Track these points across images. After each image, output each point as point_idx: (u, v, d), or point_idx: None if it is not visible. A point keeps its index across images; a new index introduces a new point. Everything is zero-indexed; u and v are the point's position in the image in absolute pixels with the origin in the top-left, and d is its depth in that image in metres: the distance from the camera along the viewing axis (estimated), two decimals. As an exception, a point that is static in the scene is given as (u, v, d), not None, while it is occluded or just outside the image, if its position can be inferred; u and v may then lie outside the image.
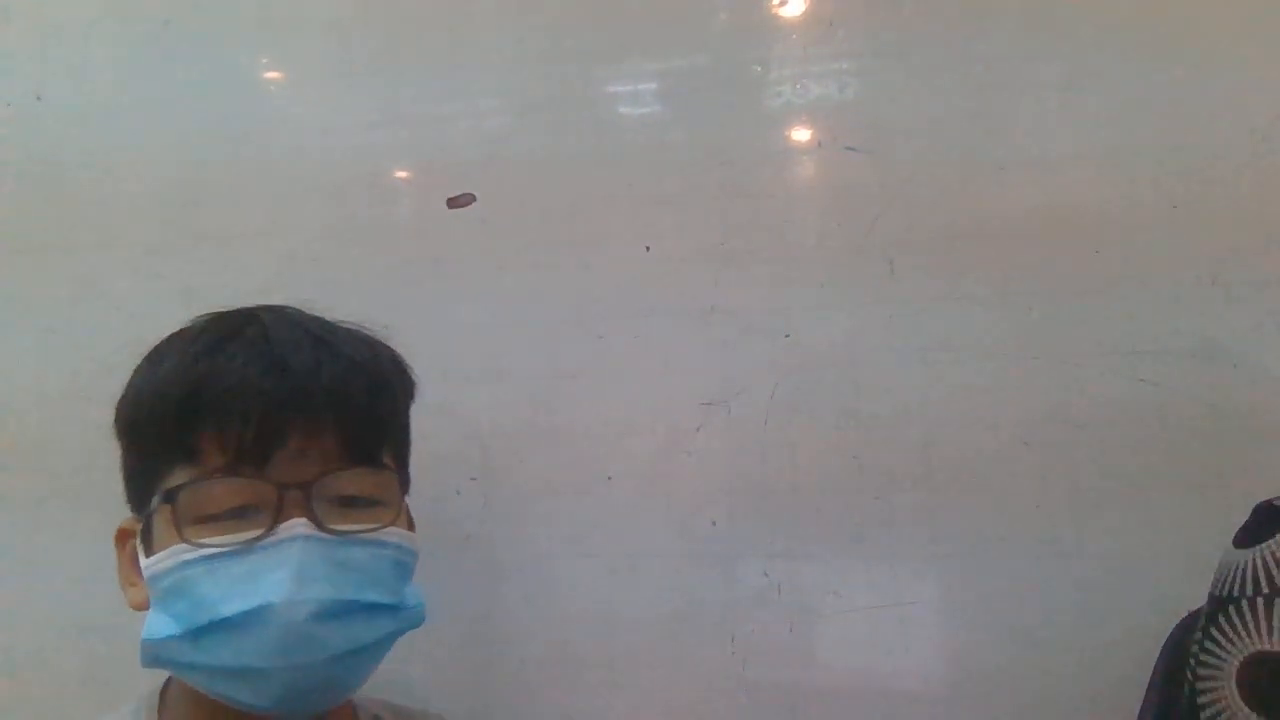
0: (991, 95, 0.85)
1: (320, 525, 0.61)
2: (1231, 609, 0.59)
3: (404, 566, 0.67)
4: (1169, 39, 0.83)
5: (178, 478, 0.62)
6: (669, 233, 0.89)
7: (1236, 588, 0.59)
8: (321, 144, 0.96)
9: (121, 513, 0.68)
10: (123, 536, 0.68)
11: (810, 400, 0.86)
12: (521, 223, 0.92)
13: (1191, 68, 0.82)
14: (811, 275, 0.87)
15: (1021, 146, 0.85)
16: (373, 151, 0.95)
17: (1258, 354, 0.79)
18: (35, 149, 1.01)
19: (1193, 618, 0.70)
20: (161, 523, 0.62)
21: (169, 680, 0.70)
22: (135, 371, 0.68)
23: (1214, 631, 0.60)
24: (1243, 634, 0.58)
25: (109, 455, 0.68)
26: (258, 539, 0.60)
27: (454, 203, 0.93)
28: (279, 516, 0.61)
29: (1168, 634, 0.72)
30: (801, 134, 0.89)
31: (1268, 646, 0.57)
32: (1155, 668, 0.72)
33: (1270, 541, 0.59)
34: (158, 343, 0.68)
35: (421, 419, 0.82)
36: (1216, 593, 0.61)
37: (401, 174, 0.95)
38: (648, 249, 0.90)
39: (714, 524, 0.87)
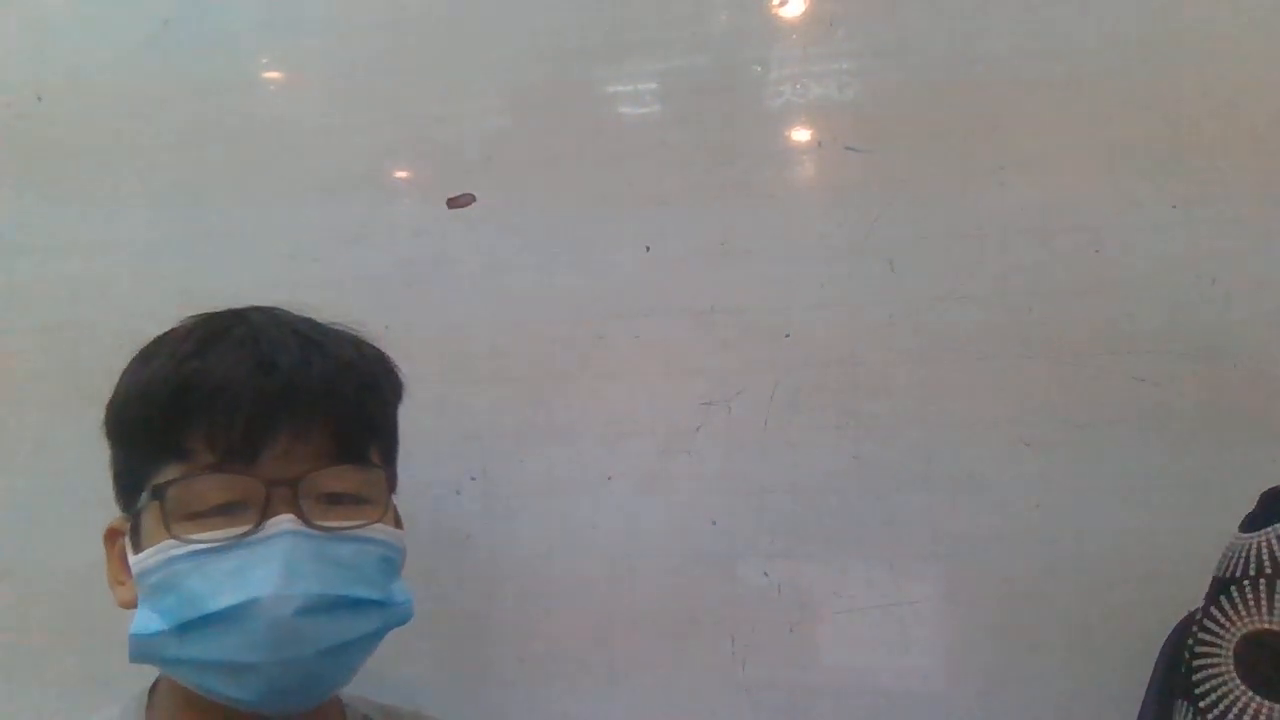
0: (991, 95, 0.85)
1: (307, 521, 0.62)
2: (1233, 589, 0.60)
3: (391, 563, 0.67)
4: (1169, 39, 0.83)
5: (166, 475, 0.63)
6: (669, 233, 0.89)
7: (1239, 569, 0.60)
8: (321, 144, 0.96)
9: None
10: (112, 535, 0.69)
11: (810, 400, 0.86)
12: (521, 223, 0.92)
13: (1191, 68, 0.82)
14: (811, 275, 0.87)
15: (1021, 146, 0.85)
16: (373, 151, 0.95)
17: (1258, 354, 0.79)
18: (35, 149, 1.01)
19: (1191, 618, 0.70)
20: (150, 520, 0.63)
21: (158, 679, 0.70)
22: (125, 371, 0.68)
23: (1214, 611, 0.61)
24: (1243, 612, 0.59)
25: (108, 456, 0.69)
26: (245, 535, 0.61)
27: (454, 203, 0.93)
28: (266, 513, 0.61)
29: (1167, 634, 0.72)
30: (801, 134, 0.89)
31: (1267, 625, 0.57)
32: (1155, 668, 0.72)
33: (1275, 525, 0.60)
34: (147, 343, 0.68)
35: (421, 419, 0.83)
36: (1219, 574, 0.62)
37: (401, 174, 0.95)
38: (648, 249, 0.90)
39: (714, 524, 0.87)
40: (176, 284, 0.96)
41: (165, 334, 0.68)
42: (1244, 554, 0.61)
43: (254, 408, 0.62)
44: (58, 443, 0.95)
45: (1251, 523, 0.63)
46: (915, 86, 0.87)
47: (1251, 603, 0.59)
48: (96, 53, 1.01)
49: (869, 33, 0.88)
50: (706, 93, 0.90)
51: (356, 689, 0.73)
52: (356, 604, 0.63)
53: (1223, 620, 0.60)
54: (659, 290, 0.89)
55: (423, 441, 0.85)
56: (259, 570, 0.60)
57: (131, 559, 0.64)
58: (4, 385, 0.98)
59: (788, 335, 0.87)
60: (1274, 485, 0.65)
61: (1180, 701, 0.61)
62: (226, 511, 0.62)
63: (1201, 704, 0.59)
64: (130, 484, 0.66)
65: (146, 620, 0.62)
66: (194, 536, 0.61)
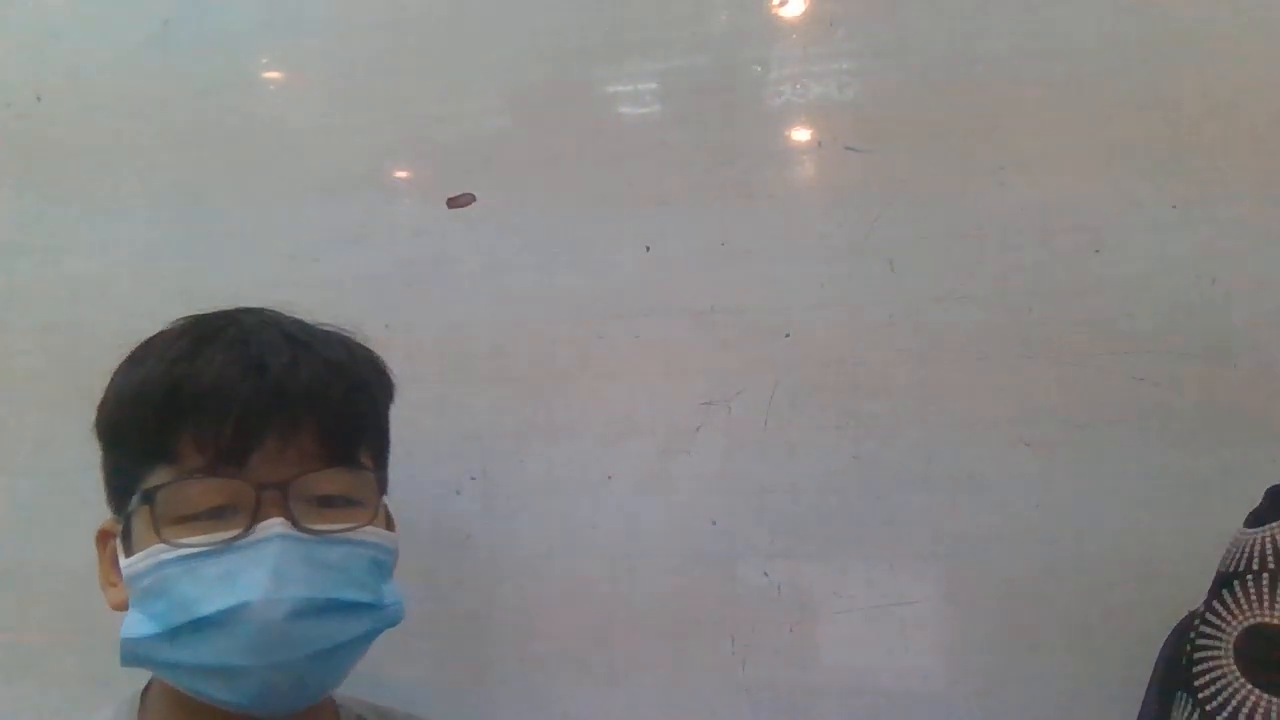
0: (991, 95, 0.85)
1: (297, 525, 0.62)
2: (1236, 583, 0.60)
3: (382, 565, 0.67)
4: (1169, 39, 0.83)
5: (156, 478, 0.63)
6: (669, 233, 0.89)
7: (1243, 564, 0.61)
8: (321, 144, 0.96)
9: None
10: (103, 537, 0.69)
11: (810, 400, 0.86)
12: (521, 223, 0.92)
13: (1191, 68, 0.82)
14: (811, 275, 0.87)
15: (1021, 146, 0.84)
16: (373, 151, 0.95)
17: (1258, 354, 0.79)
18: (35, 149, 1.01)
19: (1191, 618, 0.70)
20: (140, 523, 0.63)
21: (151, 681, 0.70)
22: (115, 373, 0.68)
23: (1216, 604, 0.61)
24: (1245, 606, 0.59)
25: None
26: (235, 538, 0.61)
27: (454, 203, 0.93)
28: (256, 516, 0.61)
29: (1167, 634, 0.72)
30: (801, 134, 0.89)
31: (1268, 619, 0.57)
32: (1155, 667, 0.72)
33: (1278, 521, 0.60)
34: (137, 346, 0.68)
35: (421, 419, 0.83)
36: (1223, 569, 0.62)
37: (401, 174, 0.95)
38: (648, 249, 0.90)
39: (714, 524, 0.87)
40: (176, 284, 0.96)
41: (155, 336, 0.68)
42: (1248, 549, 0.61)
43: (243, 411, 0.62)
44: (58, 443, 0.95)
45: (1256, 518, 0.63)
46: (915, 86, 0.86)
47: (1254, 596, 0.59)
48: (96, 53, 1.01)
49: (869, 33, 0.88)
50: (706, 93, 0.90)
51: (355, 690, 0.73)
52: (347, 607, 0.63)
53: (1224, 614, 0.60)
54: (659, 290, 0.89)
55: (423, 441, 0.85)
56: (249, 574, 0.60)
57: (123, 562, 0.64)
58: (4, 385, 0.98)
59: (788, 335, 0.87)
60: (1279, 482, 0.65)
61: (1180, 693, 0.61)
62: (217, 515, 0.62)
63: (1200, 695, 0.59)
64: (121, 486, 0.66)
65: (137, 624, 0.62)
66: (184, 540, 0.61)
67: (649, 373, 0.89)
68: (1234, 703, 0.57)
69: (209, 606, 0.59)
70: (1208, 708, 0.58)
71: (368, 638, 0.66)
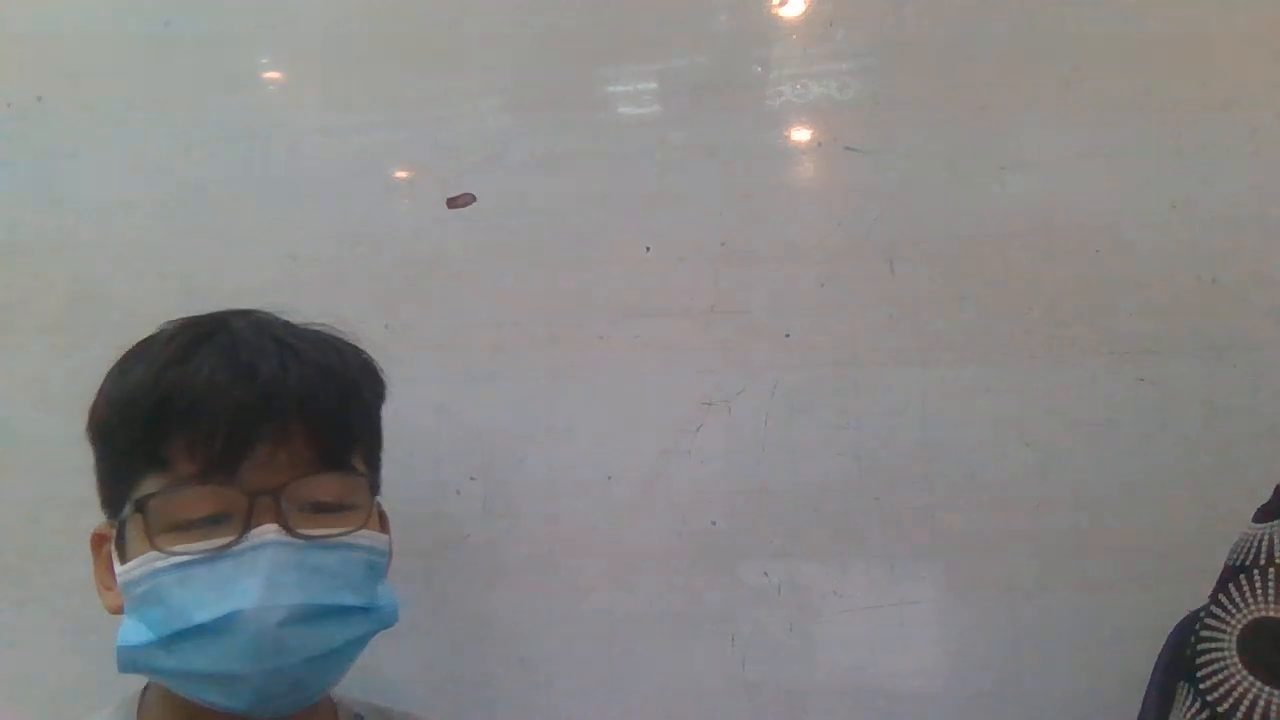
0: (991, 95, 0.85)
1: (290, 530, 0.62)
2: (1242, 577, 0.60)
3: (376, 567, 0.67)
4: (1168, 39, 0.83)
5: (149, 486, 0.63)
6: (669, 233, 0.89)
7: (1249, 558, 0.61)
8: (321, 144, 0.96)
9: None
10: (98, 541, 0.69)
11: (810, 400, 0.86)
12: (521, 223, 0.92)
13: (1191, 68, 0.82)
14: (811, 275, 0.87)
15: (1021, 146, 0.85)
16: (373, 151, 0.95)
17: (1258, 354, 0.79)
18: (35, 149, 1.01)
19: (1192, 618, 0.70)
20: (134, 530, 0.63)
21: (149, 682, 0.70)
22: (106, 378, 0.68)
23: (1221, 597, 0.61)
24: (1249, 599, 0.59)
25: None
26: (228, 546, 0.61)
27: (454, 203, 0.93)
28: (249, 523, 0.61)
29: (1168, 634, 0.72)
30: (801, 134, 0.89)
31: (1272, 613, 0.58)
32: (1155, 668, 0.72)
33: None
34: (128, 350, 0.68)
35: (421, 419, 0.83)
36: (1230, 563, 0.63)
37: (401, 174, 0.95)
38: (648, 249, 0.90)
39: (714, 524, 0.87)
40: (176, 284, 0.96)
41: (145, 340, 0.68)
42: (1255, 543, 0.61)
43: (233, 419, 0.62)
44: (57, 443, 0.95)
45: (1265, 514, 0.63)
46: (915, 86, 0.87)
47: (1259, 590, 0.59)
48: (96, 53, 1.00)
49: (869, 33, 0.88)
50: (706, 93, 0.90)
51: (354, 690, 0.73)
52: (342, 611, 0.63)
53: (1229, 606, 0.60)
54: (659, 290, 0.89)
55: (423, 441, 0.85)
56: (243, 581, 0.60)
57: (117, 569, 0.64)
58: (4, 385, 0.98)
59: (788, 335, 0.87)
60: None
61: (1183, 685, 0.62)
62: (210, 523, 0.62)
63: (1202, 686, 0.59)
64: (113, 491, 0.66)
65: (133, 631, 0.62)
66: (177, 548, 0.61)
67: (649, 373, 0.89)
68: (1235, 695, 0.57)
69: (204, 614, 0.59)
70: (1209, 698, 0.58)
71: (363, 640, 0.66)
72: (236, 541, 0.61)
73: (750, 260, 0.88)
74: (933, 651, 0.83)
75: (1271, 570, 0.59)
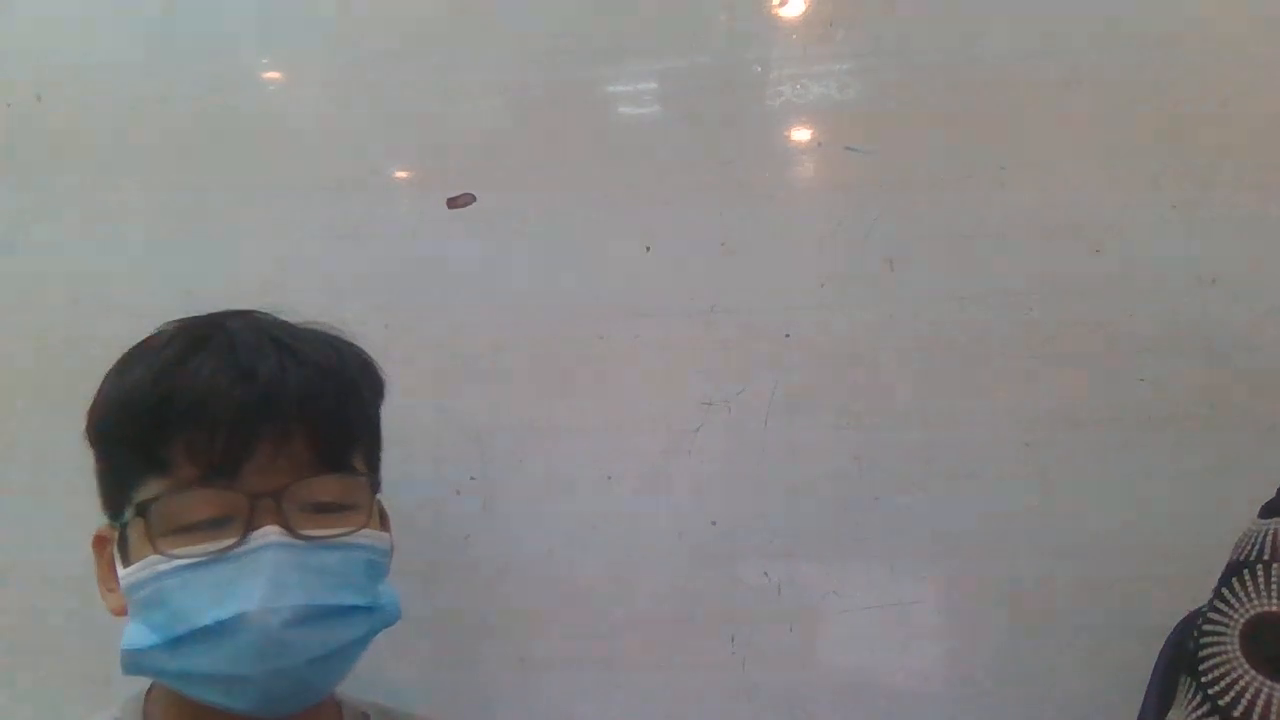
0: (991, 95, 0.85)
1: (292, 532, 0.62)
2: (1245, 572, 0.61)
3: (377, 567, 0.68)
4: (1168, 39, 0.83)
5: (150, 490, 0.63)
6: (669, 233, 0.89)
7: (1253, 553, 0.61)
8: (321, 144, 0.96)
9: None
10: (100, 543, 0.69)
11: (810, 400, 0.86)
12: (521, 223, 0.92)
13: (1191, 68, 0.82)
14: (811, 275, 0.87)
15: (1021, 146, 0.85)
16: (373, 151, 0.95)
17: (1258, 354, 0.79)
18: (35, 149, 1.01)
19: (1193, 617, 0.71)
20: (136, 534, 0.63)
21: (154, 682, 0.70)
22: (105, 380, 0.68)
23: (1225, 592, 0.61)
24: (1252, 595, 0.60)
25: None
26: (230, 548, 0.61)
27: (454, 203, 0.93)
28: (251, 525, 0.61)
29: (1167, 634, 0.72)
30: (801, 134, 0.89)
31: (1274, 608, 0.58)
32: (1155, 667, 0.72)
33: None
34: (126, 352, 0.68)
35: (421, 419, 0.83)
36: (1234, 558, 0.63)
37: (401, 174, 0.95)
38: (648, 249, 0.90)
39: (714, 524, 0.87)
40: (176, 284, 0.95)
41: (143, 342, 0.68)
42: (1259, 539, 0.61)
43: (233, 422, 0.62)
44: (58, 443, 0.95)
45: (1270, 509, 0.64)
46: (915, 86, 0.87)
47: (1262, 586, 0.59)
48: (96, 53, 1.00)
49: (869, 33, 0.88)
50: (706, 93, 0.90)
51: (355, 690, 0.73)
52: (344, 611, 0.63)
53: (1232, 601, 0.61)
54: (659, 290, 0.89)
55: (423, 441, 0.85)
56: (245, 583, 0.60)
57: (120, 572, 0.64)
58: (3, 385, 0.98)
59: (788, 335, 0.87)
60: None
61: (1185, 678, 0.62)
62: (211, 525, 0.62)
63: (1204, 680, 0.60)
64: (114, 495, 0.66)
65: (137, 634, 0.62)
66: (179, 551, 0.61)
67: (649, 373, 0.89)
68: (1238, 688, 0.57)
69: (207, 617, 0.60)
70: (1211, 692, 0.59)
71: (365, 639, 0.67)
72: (238, 544, 0.61)
73: (750, 260, 0.88)
74: (933, 651, 0.83)
75: (1275, 566, 0.59)
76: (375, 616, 0.66)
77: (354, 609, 0.64)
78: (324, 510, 0.65)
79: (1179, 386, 0.80)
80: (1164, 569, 0.79)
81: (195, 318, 0.69)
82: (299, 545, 0.62)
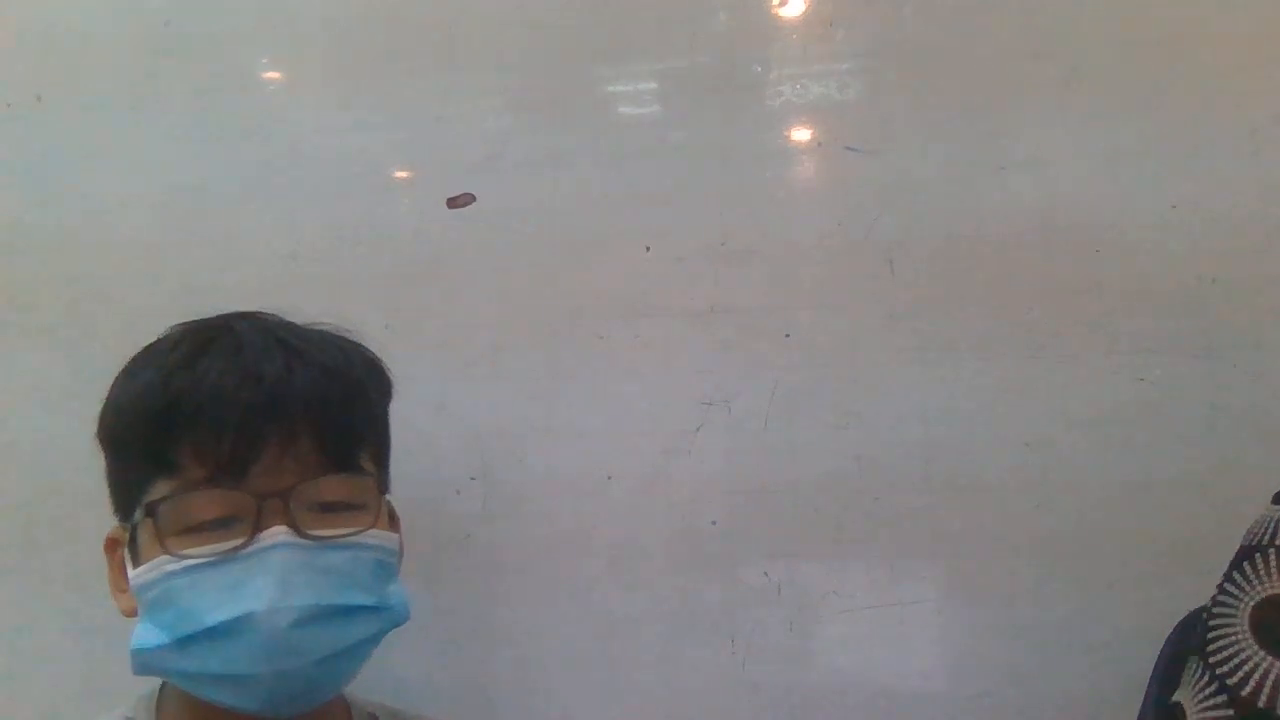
0: (991, 95, 0.85)
1: (300, 532, 0.62)
2: (1257, 556, 0.61)
3: (386, 566, 0.68)
4: (1168, 38, 0.83)
5: (159, 490, 0.63)
6: (669, 233, 0.89)
7: (1265, 538, 0.62)
8: (321, 144, 0.96)
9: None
10: (111, 545, 0.69)
11: (810, 400, 0.86)
12: (521, 223, 0.92)
13: (1191, 68, 0.82)
14: (811, 275, 0.87)
15: (1021, 146, 0.85)
16: (373, 151, 0.95)
17: (1258, 354, 0.79)
18: (35, 149, 1.01)
19: (1193, 617, 0.71)
20: (145, 535, 0.64)
21: (165, 681, 0.70)
22: (114, 383, 0.69)
23: (1235, 575, 0.62)
24: (1263, 578, 0.60)
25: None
26: (239, 548, 0.61)
27: (454, 203, 0.93)
28: (259, 525, 0.62)
29: (1167, 634, 0.72)
30: (801, 134, 0.89)
31: None
32: (1155, 667, 0.72)
33: None
34: (134, 355, 0.69)
35: (421, 419, 0.83)
36: (1245, 543, 0.63)
37: (401, 174, 0.95)
38: (648, 249, 0.90)
39: (714, 524, 0.87)
40: (176, 284, 0.96)
41: (152, 345, 0.69)
42: (1270, 524, 0.62)
43: (240, 423, 0.62)
44: (58, 443, 0.95)
45: None
46: (915, 86, 0.86)
47: (1273, 569, 0.60)
48: (96, 53, 1.00)
49: (869, 33, 0.88)
50: (706, 93, 0.90)
51: (356, 690, 0.73)
52: (352, 611, 0.64)
53: (1242, 584, 0.61)
54: (659, 290, 0.89)
55: (423, 441, 0.85)
56: (254, 583, 0.60)
57: (130, 573, 0.65)
58: (4, 385, 0.98)
59: (788, 335, 0.87)
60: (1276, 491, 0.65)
61: (1193, 659, 0.63)
62: (220, 525, 0.62)
63: (1213, 660, 0.60)
64: (125, 497, 0.66)
65: (147, 634, 0.62)
66: (189, 552, 0.62)
67: (649, 373, 0.89)
68: (1246, 669, 0.58)
69: (216, 616, 0.60)
70: (1219, 672, 0.59)
71: (375, 639, 0.67)
72: (247, 544, 0.61)
73: (750, 260, 0.88)
74: (933, 651, 0.83)
75: None
76: (384, 616, 0.66)
77: (362, 609, 0.64)
78: (332, 510, 0.65)
79: (1179, 386, 0.80)
80: (1164, 569, 0.79)
81: (202, 320, 0.69)
82: (307, 545, 0.62)
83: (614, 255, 0.90)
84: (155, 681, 0.70)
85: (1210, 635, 0.61)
